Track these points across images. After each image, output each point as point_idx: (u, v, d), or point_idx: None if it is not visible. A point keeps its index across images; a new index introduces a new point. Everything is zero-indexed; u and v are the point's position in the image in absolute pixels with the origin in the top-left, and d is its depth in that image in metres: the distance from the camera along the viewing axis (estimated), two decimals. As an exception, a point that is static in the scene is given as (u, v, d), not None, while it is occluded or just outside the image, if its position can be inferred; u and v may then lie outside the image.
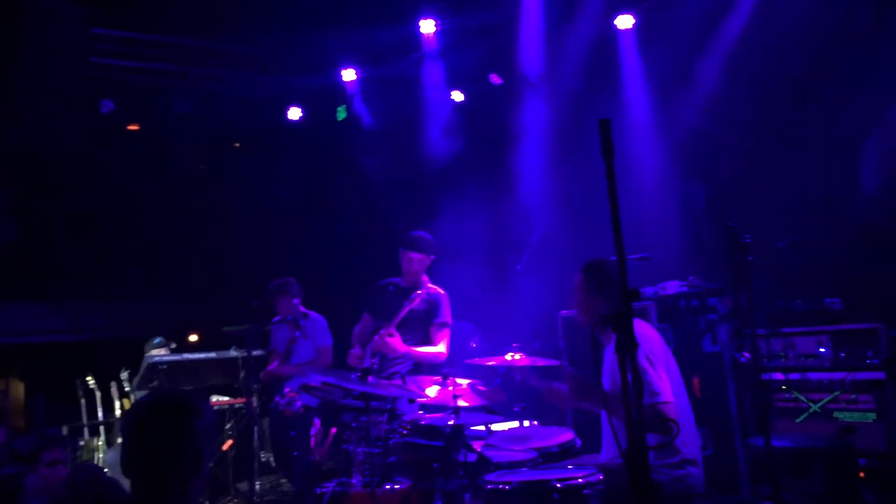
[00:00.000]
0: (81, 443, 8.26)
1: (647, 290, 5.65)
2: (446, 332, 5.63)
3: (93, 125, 8.37)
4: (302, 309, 6.96)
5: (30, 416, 9.34)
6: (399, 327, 5.43)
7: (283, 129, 9.37)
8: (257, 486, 7.05)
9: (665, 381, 3.80)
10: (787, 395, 5.14)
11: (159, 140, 9.18)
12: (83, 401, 8.40)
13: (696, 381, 5.43)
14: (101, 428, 8.39)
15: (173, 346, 7.88)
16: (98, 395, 8.44)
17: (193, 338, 9.67)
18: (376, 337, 5.37)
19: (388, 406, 4.79)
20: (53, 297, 9.19)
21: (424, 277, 5.82)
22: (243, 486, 7.41)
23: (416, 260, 5.69)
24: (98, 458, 8.03)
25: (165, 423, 2.42)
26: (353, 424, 4.72)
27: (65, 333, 9.14)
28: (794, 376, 5.06)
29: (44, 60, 7.15)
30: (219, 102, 8.85)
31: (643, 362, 3.78)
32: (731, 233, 3.97)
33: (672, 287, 5.56)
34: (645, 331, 4.04)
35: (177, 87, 8.48)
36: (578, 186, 7.91)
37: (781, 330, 5.13)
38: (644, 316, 5.39)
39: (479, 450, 4.16)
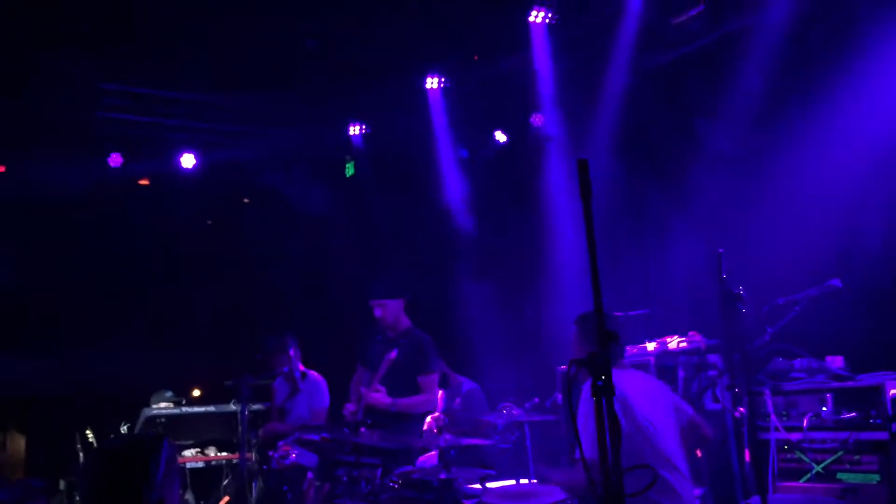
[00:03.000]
0: (78, 497, 8.15)
1: (647, 346, 5.58)
2: (434, 379, 5.57)
3: (101, 178, 8.47)
4: (301, 367, 6.92)
5: (30, 470, 9.24)
6: (386, 379, 5.38)
7: (289, 183, 9.44)
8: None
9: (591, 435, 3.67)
10: (790, 456, 5.02)
11: (166, 194, 9.26)
12: (82, 454, 8.31)
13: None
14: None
15: (183, 401, 7.84)
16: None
17: (196, 392, 9.62)
18: (363, 390, 5.33)
19: (379, 461, 4.71)
20: (54, 349, 9.17)
21: (405, 322, 5.78)
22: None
23: (386, 307, 5.66)
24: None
25: (122, 471, 2.34)
26: (345, 479, 4.65)
27: (65, 386, 9.09)
28: (795, 436, 4.94)
29: (52, 112, 7.27)
30: (225, 157, 8.94)
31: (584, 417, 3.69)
32: (723, 286, 3.92)
33: (672, 343, 5.48)
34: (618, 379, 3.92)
35: (183, 142, 8.59)
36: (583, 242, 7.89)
37: (782, 388, 5.03)
38: (646, 370, 5.32)
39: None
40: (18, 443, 9.61)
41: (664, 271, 6.89)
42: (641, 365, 5.35)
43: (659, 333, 5.71)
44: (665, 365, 5.42)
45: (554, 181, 7.97)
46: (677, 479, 3.90)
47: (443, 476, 4.10)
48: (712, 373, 5.23)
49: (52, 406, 9.36)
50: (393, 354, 5.38)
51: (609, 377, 2.27)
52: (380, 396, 5.32)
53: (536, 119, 8.06)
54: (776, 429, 4.93)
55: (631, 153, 7.44)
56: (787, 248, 5.84)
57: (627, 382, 3.88)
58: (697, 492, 4.87)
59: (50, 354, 9.07)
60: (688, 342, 5.44)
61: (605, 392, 2.24)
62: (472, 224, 8.44)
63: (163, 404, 7.72)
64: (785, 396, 5.04)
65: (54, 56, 6.91)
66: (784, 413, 5.02)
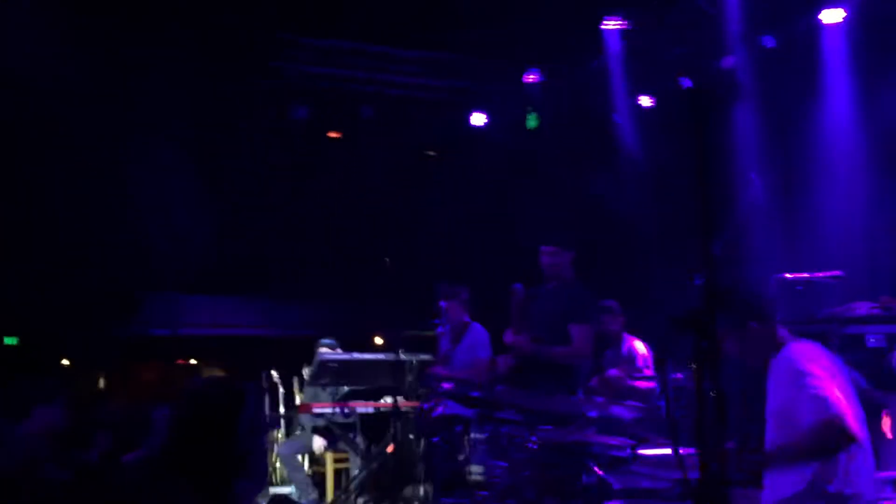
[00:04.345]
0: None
1: (830, 312, 4.96)
2: (587, 330, 5.22)
3: (286, 130, 8.77)
4: (466, 318, 6.85)
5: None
6: (536, 327, 5.15)
7: (469, 135, 9.34)
8: (421, 492, 7.00)
9: (835, 392, 3.24)
10: None
11: (349, 147, 9.46)
12: (267, 393, 8.79)
13: (886, 418, 4.70)
14: (282, 420, 8.74)
15: (338, 349, 8.04)
16: (281, 389, 8.81)
17: (379, 340, 9.90)
18: (507, 335, 5.14)
19: (523, 418, 4.51)
20: (251, 294, 9.75)
21: (569, 274, 5.45)
22: (408, 490, 7.40)
23: (548, 254, 5.35)
24: (276, 448, 8.34)
25: (206, 421, 2.30)
26: (486, 435, 4.52)
27: (261, 328, 9.67)
28: None
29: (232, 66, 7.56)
30: (406, 109, 8.97)
31: (806, 380, 3.25)
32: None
33: (862, 309, 4.83)
34: (807, 351, 3.45)
35: (365, 94, 8.67)
36: (779, 198, 7.22)
37: None
38: (825, 341, 4.72)
39: (601, 474, 3.79)
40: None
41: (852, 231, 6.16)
42: (821, 335, 4.75)
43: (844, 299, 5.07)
44: (850, 334, 4.79)
45: (743, 133, 7.32)
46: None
47: (579, 439, 3.85)
48: (908, 345, 4.56)
49: (247, 345, 10.03)
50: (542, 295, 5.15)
51: (714, 339, 1.94)
52: (522, 342, 5.11)
53: (726, 62, 7.39)
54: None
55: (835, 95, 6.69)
56: None
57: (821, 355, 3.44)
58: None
59: (251, 298, 9.68)
60: (881, 308, 4.77)
61: (709, 356, 1.92)
62: (650, 179, 7.96)
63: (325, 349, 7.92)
64: None
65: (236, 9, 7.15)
66: None
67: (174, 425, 2.38)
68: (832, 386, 3.26)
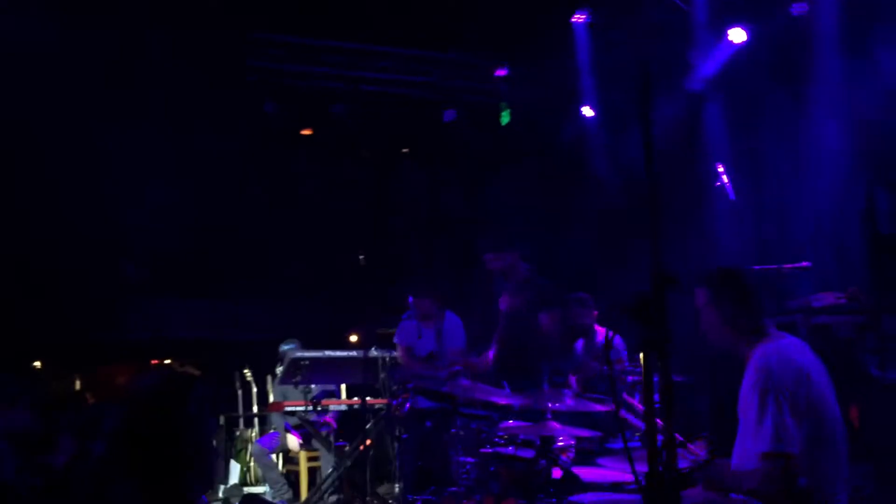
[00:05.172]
0: (237, 433, 8.57)
1: (798, 303, 4.96)
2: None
3: (258, 128, 8.69)
4: (436, 310, 6.82)
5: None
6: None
7: (441, 132, 9.31)
8: (396, 490, 6.95)
9: (791, 427, 3.00)
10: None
11: (320, 143, 9.39)
12: (240, 392, 8.73)
13: (853, 410, 4.71)
14: (256, 420, 8.68)
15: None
16: (255, 388, 8.75)
17: (353, 338, 9.84)
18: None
19: (489, 412, 4.51)
20: (220, 295, 9.65)
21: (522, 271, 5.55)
22: (383, 488, 7.36)
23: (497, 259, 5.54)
24: (250, 448, 8.28)
25: (153, 415, 2.24)
26: (453, 431, 4.50)
27: (232, 330, 9.59)
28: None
29: (203, 63, 7.48)
30: (378, 106, 8.91)
31: (769, 400, 3.00)
32: (875, 230, 3.34)
33: (828, 299, 4.83)
34: (787, 354, 3.16)
35: (336, 91, 8.61)
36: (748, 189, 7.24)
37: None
38: (793, 331, 4.72)
39: (568, 467, 3.77)
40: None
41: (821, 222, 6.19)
42: (788, 325, 4.76)
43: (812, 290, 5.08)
44: (818, 324, 4.79)
45: (712, 125, 7.35)
46: None
47: (545, 433, 3.83)
48: (872, 334, 4.58)
49: (223, 347, 9.93)
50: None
51: (664, 330, 1.91)
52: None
53: (698, 55, 7.39)
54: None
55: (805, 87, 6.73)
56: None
57: (808, 357, 3.19)
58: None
59: (214, 300, 9.58)
60: (847, 299, 4.78)
61: (657, 347, 1.89)
62: (621, 173, 7.96)
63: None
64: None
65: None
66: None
67: (120, 423, 2.32)
68: (787, 414, 3.01)
